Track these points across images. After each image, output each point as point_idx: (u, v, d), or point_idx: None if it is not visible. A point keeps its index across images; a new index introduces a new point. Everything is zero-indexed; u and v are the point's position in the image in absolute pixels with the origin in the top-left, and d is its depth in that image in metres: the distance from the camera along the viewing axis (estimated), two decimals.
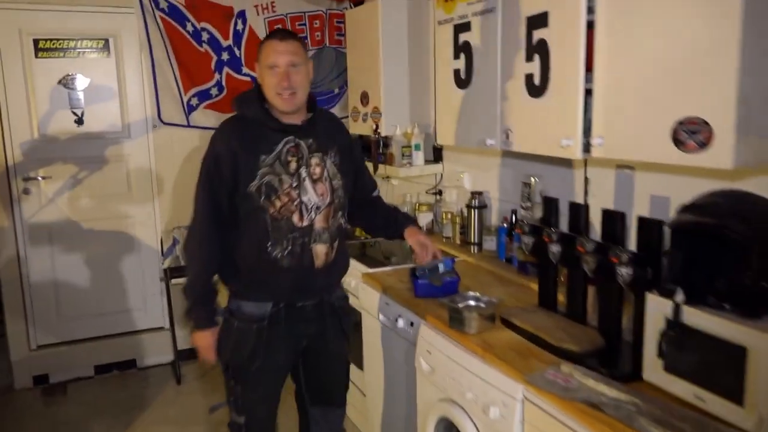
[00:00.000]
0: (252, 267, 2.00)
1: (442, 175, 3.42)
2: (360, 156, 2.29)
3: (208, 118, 3.94)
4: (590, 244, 1.78)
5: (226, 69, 3.95)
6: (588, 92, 1.88)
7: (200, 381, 3.89)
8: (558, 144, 1.97)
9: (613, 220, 1.91)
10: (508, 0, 2.21)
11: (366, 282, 2.78)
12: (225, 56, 3.94)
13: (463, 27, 2.51)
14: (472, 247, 3.00)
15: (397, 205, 2.82)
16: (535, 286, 2.36)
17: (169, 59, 3.79)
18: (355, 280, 2.90)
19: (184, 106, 3.89)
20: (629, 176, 2.18)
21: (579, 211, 2.03)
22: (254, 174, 1.90)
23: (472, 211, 2.98)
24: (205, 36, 3.87)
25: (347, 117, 3.76)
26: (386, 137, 3.42)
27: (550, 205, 2.04)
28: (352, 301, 2.42)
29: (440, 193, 3.39)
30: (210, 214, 1.96)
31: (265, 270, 1.98)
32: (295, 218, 1.95)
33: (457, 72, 2.58)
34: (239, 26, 3.94)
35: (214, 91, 3.96)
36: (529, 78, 2.13)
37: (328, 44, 4.15)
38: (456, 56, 2.57)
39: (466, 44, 2.50)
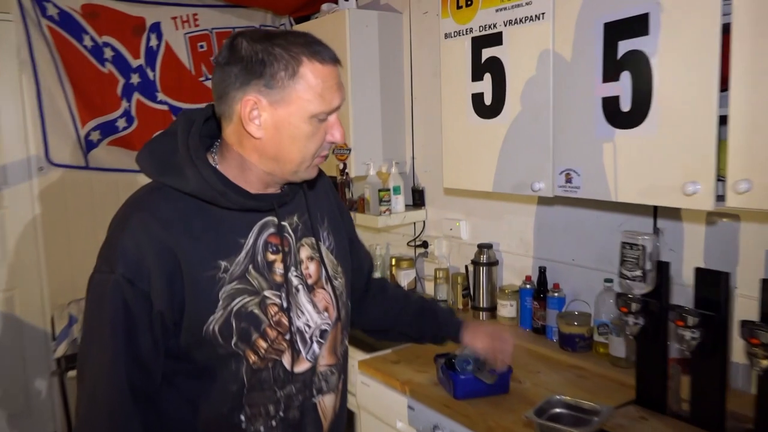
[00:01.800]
0: None
1: (424, 223, 2.82)
2: (350, 217, 1.45)
3: (114, 156, 3.08)
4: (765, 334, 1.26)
5: (136, 95, 3.13)
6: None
7: None
8: (674, 190, 1.46)
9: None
10: (572, 3, 1.69)
11: (369, 374, 2.09)
12: (135, 79, 3.12)
13: (488, 40, 1.96)
14: (481, 313, 2.42)
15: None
16: (587, 365, 1.93)
17: (61, 82, 2.92)
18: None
19: (81, 142, 3.01)
20: (729, 227, 1.71)
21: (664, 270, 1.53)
22: (214, 300, 1.04)
23: (481, 268, 2.41)
24: (108, 53, 3.04)
25: None
26: (351, 179, 2.77)
27: (664, 272, 1.51)
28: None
29: (425, 245, 2.78)
30: (126, 391, 1.01)
31: None
32: (287, 361, 1.12)
33: (478, 97, 2.02)
34: (153, 42, 3.15)
35: (121, 123, 3.11)
36: (609, 102, 1.61)
37: None
38: (477, 77, 2.01)
39: (495, 62, 1.94)
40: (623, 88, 1.57)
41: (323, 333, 1.17)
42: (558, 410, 1.53)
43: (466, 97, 2.06)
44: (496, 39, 1.93)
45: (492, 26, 1.94)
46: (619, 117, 1.59)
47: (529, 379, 1.89)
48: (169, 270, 1.01)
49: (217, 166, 1.09)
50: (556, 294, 2.16)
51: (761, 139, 1.32)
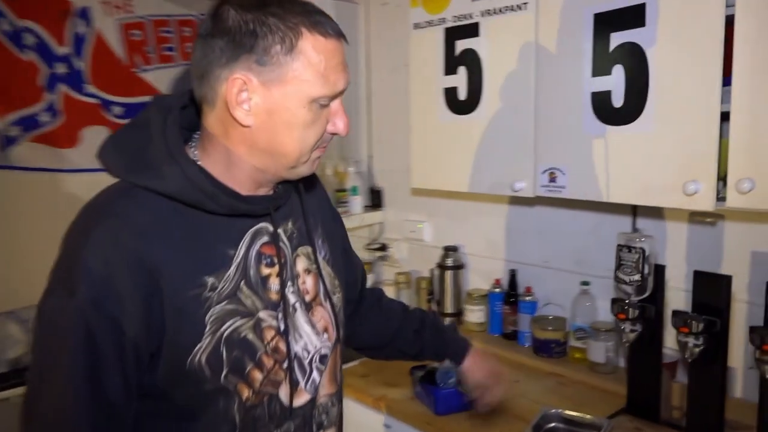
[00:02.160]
0: None
1: (382, 224, 2.69)
2: (342, 222, 1.27)
3: (38, 155, 2.76)
4: None
5: (61, 87, 2.81)
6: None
7: None
8: (673, 190, 1.39)
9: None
10: None
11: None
12: (60, 69, 2.80)
13: (463, 31, 1.84)
14: (447, 319, 2.30)
15: None
16: (565, 372, 1.88)
17: None
18: None
19: None
20: (713, 227, 1.67)
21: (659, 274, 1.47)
22: (200, 325, 0.86)
23: (447, 272, 2.30)
24: (29, 39, 2.72)
25: None
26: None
27: (660, 277, 1.44)
28: None
29: (384, 248, 2.65)
30: None
31: None
32: (284, 394, 0.95)
33: (451, 92, 1.90)
34: (81, 28, 2.84)
35: (44, 117, 2.79)
36: (600, 97, 1.53)
37: None
38: (450, 70, 1.90)
39: (470, 54, 1.83)
40: (615, 82, 1.49)
41: (323, 358, 1.01)
42: (555, 425, 1.43)
43: (438, 92, 1.94)
44: (471, 30, 1.82)
45: (468, 16, 1.83)
46: (610, 113, 1.51)
47: (509, 389, 1.79)
48: (146, 290, 0.82)
49: (199, 163, 0.90)
50: (528, 298, 2.08)
51: (764, 137, 1.27)
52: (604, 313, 1.90)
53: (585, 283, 1.92)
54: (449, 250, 2.30)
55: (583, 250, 1.97)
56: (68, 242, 0.85)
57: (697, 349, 1.31)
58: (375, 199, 2.67)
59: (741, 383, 1.60)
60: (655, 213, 1.77)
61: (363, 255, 2.78)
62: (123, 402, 0.83)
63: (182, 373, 0.85)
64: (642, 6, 1.42)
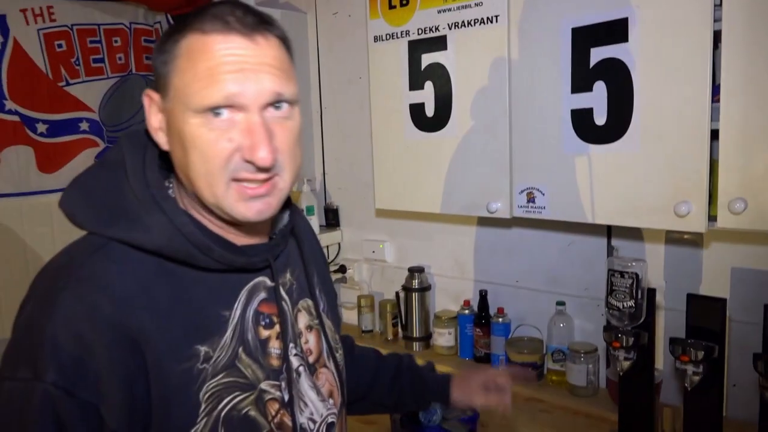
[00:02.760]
0: None
1: (339, 245, 2.55)
2: (328, 264, 1.14)
3: None
4: None
5: None
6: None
7: None
8: (663, 211, 1.34)
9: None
10: (531, 5, 1.53)
11: None
12: None
13: (429, 44, 1.75)
14: (414, 343, 2.20)
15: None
16: (545, 397, 1.81)
17: None
18: None
19: None
20: (691, 246, 1.64)
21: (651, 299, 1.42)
22: (194, 403, 0.72)
23: (413, 294, 2.19)
24: None
25: None
26: None
27: (651, 301, 1.38)
28: None
29: (342, 269, 2.52)
30: None
31: None
32: None
33: (418, 108, 1.80)
34: None
35: None
36: (580, 115, 1.47)
37: (134, 71, 2.97)
38: (416, 85, 1.80)
39: (438, 69, 1.74)
40: (597, 99, 1.43)
41: (330, 427, 0.88)
42: None
43: (403, 108, 1.84)
44: (439, 43, 1.73)
45: (434, 29, 1.73)
46: (592, 131, 1.45)
47: (490, 419, 1.70)
48: (129, 368, 0.68)
49: (184, 207, 0.76)
50: (500, 319, 2.00)
51: (755, 155, 1.24)
52: (581, 334, 1.85)
53: (560, 303, 1.86)
54: (415, 271, 2.20)
55: (556, 269, 1.91)
56: (28, 312, 0.70)
57: (696, 377, 1.26)
58: (331, 219, 2.53)
59: (730, 401, 1.57)
60: (630, 232, 1.73)
61: None
62: None
63: None
64: (624, 20, 1.36)
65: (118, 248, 0.72)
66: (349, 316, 2.48)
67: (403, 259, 2.33)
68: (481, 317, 2.05)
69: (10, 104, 2.61)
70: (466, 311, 2.10)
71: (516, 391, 1.84)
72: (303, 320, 0.88)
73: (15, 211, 2.57)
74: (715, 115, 1.27)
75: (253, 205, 0.72)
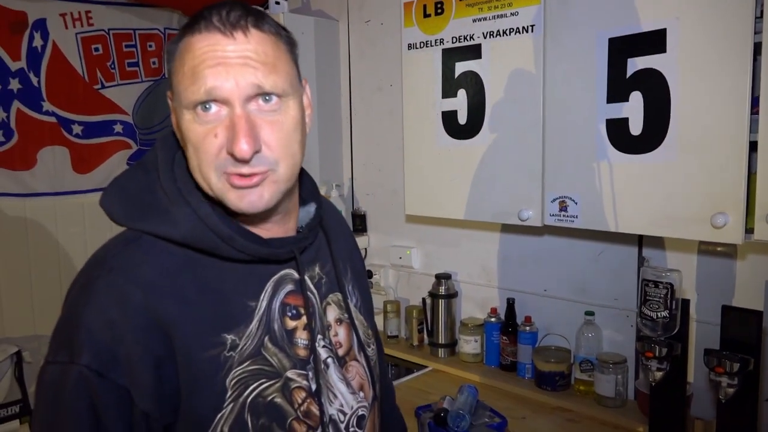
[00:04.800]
0: None
1: (366, 250, 2.57)
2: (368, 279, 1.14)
3: None
4: None
5: (16, 104, 2.60)
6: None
7: None
8: (700, 222, 1.34)
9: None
10: (567, 15, 1.54)
11: None
12: (14, 85, 2.60)
13: (463, 52, 1.77)
14: (440, 350, 2.21)
15: None
16: (573, 406, 1.80)
17: None
18: None
19: None
20: (724, 257, 1.63)
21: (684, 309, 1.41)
22: (221, 389, 0.74)
23: (439, 300, 2.20)
24: None
25: None
26: None
27: (685, 311, 1.38)
28: None
29: (369, 274, 2.53)
30: None
31: None
32: None
33: (450, 115, 1.82)
34: (37, 42, 2.64)
35: None
36: (616, 125, 1.47)
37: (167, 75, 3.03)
38: (449, 93, 1.82)
39: (471, 77, 1.76)
40: (633, 109, 1.44)
41: (360, 420, 0.89)
42: None
43: (436, 115, 1.86)
44: (473, 52, 1.75)
45: (469, 38, 1.75)
46: (628, 141, 1.46)
47: (518, 427, 1.70)
48: (157, 353, 0.71)
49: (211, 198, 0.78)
50: (528, 328, 2.00)
51: None
52: (610, 344, 1.85)
53: (589, 313, 1.85)
54: (442, 277, 2.21)
55: (584, 278, 1.90)
56: (69, 300, 0.75)
57: (731, 390, 1.26)
58: (358, 224, 2.55)
59: (765, 416, 1.55)
60: (661, 243, 1.72)
61: None
62: None
63: None
64: (663, 31, 1.37)
65: (149, 241, 0.76)
66: (375, 322, 2.49)
67: (429, 265, 2.34)
68: (508, 325, 2.05)
69: (47, 105, 2.67)
70: (493, 319, 2.10)
71: (544, 401, 1.86)
72: (332, 313, 0.90)
73: (50, 210, 2.63)
74: (753, 126, 1.27)
75: (246, 197, 0.74)
